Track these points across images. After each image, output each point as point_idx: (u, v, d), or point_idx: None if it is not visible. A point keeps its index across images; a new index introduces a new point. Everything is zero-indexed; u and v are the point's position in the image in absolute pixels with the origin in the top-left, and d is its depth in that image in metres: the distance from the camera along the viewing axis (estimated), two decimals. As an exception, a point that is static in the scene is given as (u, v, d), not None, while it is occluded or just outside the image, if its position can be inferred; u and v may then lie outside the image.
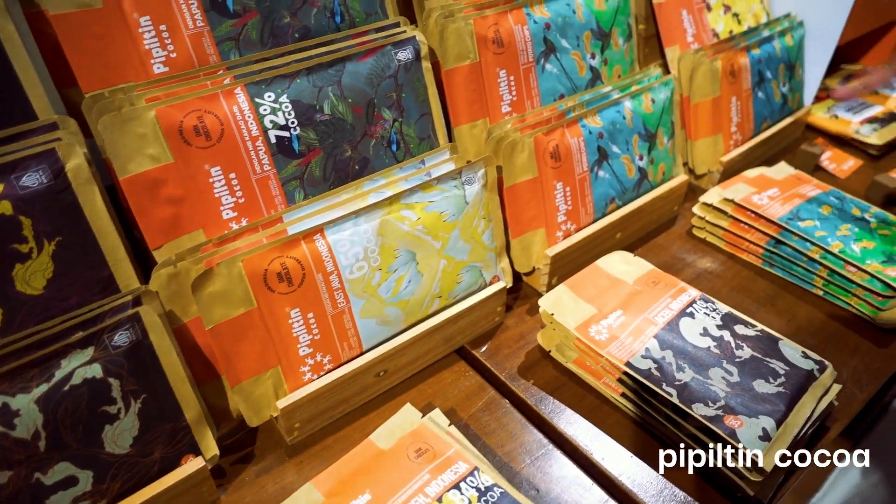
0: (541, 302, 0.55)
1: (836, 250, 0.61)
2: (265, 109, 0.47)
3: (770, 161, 0.84)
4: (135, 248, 0.45)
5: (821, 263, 0.62)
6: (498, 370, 0.55)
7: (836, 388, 0.50)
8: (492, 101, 0.59)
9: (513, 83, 0.60)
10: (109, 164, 0.43)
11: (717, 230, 0.69)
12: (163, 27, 0.44)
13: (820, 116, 0.89)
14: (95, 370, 0.39)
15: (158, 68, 0.45)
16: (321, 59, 0.49)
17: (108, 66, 0.44)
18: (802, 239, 0.63)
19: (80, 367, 0.38)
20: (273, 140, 0.47)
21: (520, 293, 0.63)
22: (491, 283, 0.57)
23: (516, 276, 0.63)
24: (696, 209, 0.70)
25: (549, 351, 0.56)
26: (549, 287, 0.61)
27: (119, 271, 0.43)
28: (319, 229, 0.46)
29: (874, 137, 0.84)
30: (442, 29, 0.55)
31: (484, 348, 0.57)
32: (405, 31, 0.54)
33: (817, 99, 0.92)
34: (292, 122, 0.48)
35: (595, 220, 0.64)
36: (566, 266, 0.62)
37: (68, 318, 0.39)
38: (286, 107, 0.47)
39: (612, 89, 0.64)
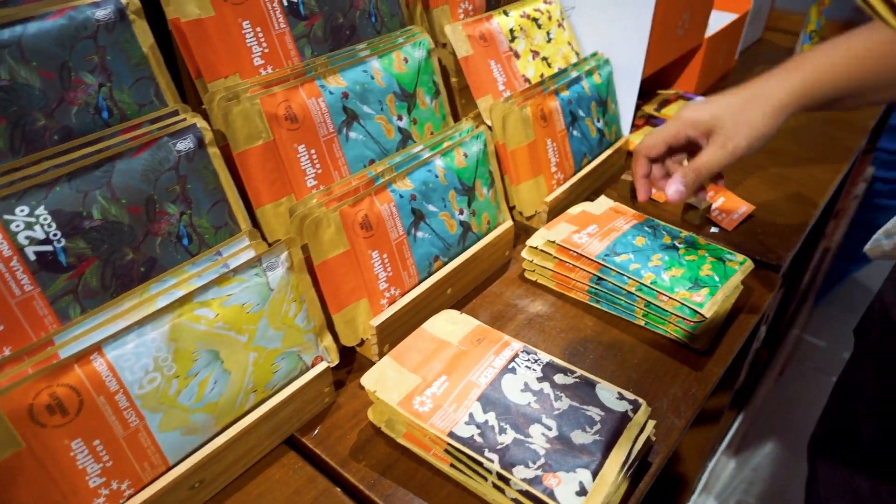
0: (363, 380, 0.53)
1: (648, 282, 0.63)
2: (18, 226, 0.42)
3: (598, 192, 0.88)
4: None
5: (637, 296, 0.65)
6: (329, 455, 0.53)
7: (652, 423, 0.52)
8: (294, 177, 0.58)
9: (315, 156, 0.59)
10: None
11: (546, 272, 0.71)
12: None
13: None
14: None
15: None
16: (84, 162, 0.46)
17: None
18: (619, 274, 0.65)
19: None
20: (32, 257, 0.43)
21: (353, 366, 0.62)
22: (313, 366, 0.55)
23: (347, 350, 0.61)
24: (524, 253, 0.72)
25: (380, 427, 0.55)
26: (382, 355, 0.60)
27: None
28: (96, 348, 0.43)
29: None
30: (226, 112, 0.53)
31: (315, 433, 0.55)
32: (185, 119, 0.51)
33: (636, 127, 0.98)
34: (54, 234, 0.44)
35: (421, 281, 0.64)
36: (397, 331, 0.62)
37: None
38: (45, 219, 0.43)
39: (422, 149, 0.65)
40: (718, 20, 1.13)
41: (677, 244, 0.69)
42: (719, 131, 0.60)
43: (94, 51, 0.48)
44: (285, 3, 0.58)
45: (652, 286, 0.63)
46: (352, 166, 0.62)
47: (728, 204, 0.83)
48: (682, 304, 0.62)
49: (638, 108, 1.04)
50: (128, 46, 0.50)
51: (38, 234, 0.43)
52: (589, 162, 0.85)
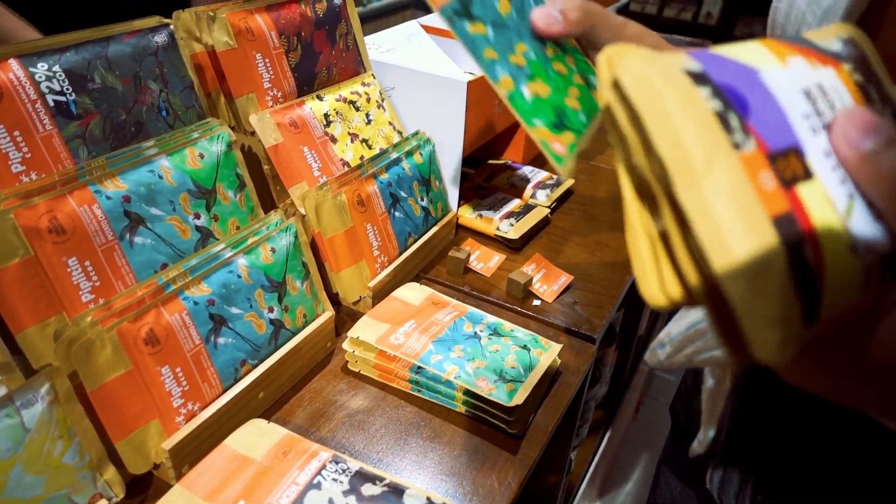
0: (147, 517, 0.48)
1: (451, 376, 0.63)
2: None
3: (429, 268, 0.88)
4: None
5: (456, 383, 0.64)
6: None
7: (461, 527, 0.51)
8: (65, 293, 0.52)
9: (90, 268, 0.54)
10: None
11: (368, 363, 0.69)
12: None
13: (468, 217, 0.97)
14: None
15: None
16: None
17: None
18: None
19: None
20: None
21: (149, 492, 0.56)
22: (91, 506, 0.49)
23: (139, 479, 0.55)
24: (345, 345, 0.70)
25: (172, 567, 0.49)
26: (181, 477, 0.55)
27: None
28: None
29: (511, 232, 0.93)
30: (-30, 232, 0.47)
31: (95, 584, 0.49)
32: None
33: (465, 200, 1.00)
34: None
35: (225, 390, 0.59)
36: (200, 447, 0.57)
37: None
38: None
39: (223, 248, 0.61)
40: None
41: (479, 332, 0.70)
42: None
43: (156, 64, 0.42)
44: (51, 103, 0.54)
45: (455, 380, 0.63)
46: (140, 274, 0.57)
47: (548, 276, 0.86)
48: (487, 398, 0.62)
49: (466, 178, 1.07)
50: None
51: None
52: (415, 241, 0.85)
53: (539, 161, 1.18)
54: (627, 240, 0.27)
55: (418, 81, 0.88)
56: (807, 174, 0.24)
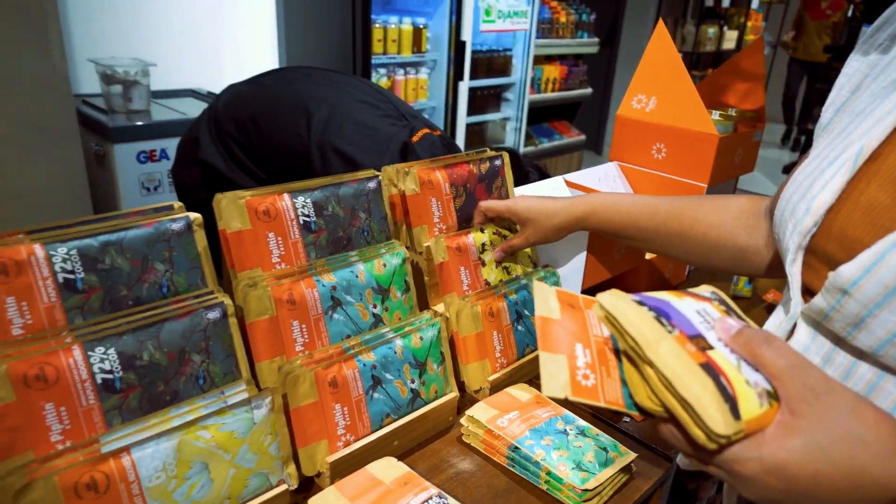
0: (311, 501, 0.71)
1: (539, 459, 0.81)
2: (95, 359, 0.65)
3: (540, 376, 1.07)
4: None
5: (542, 464, 0.82)
6: (275, 560, 0.69)
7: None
8: (287, 343, 0.80)
9: (304, 329, 0.81)
10: (-35, 403, 0.59)
11: (478, 437, 0.89)
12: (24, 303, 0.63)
13: (581, 340, 1.15)
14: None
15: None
16: (143, 322, 0.69)
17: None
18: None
19: None
20: (99, 381, 0.65)
21: (310, 492, 0.79)
22: (276, 486, 0.73)
23: (306, 479, 0.79)
24: (462, 420, 0.90)
25: (318, 542, 0.71)
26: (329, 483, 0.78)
27: (-43, 487, 0.57)
28: (126, 448, 0.62)
29: (616, 358, 1.10)
30: (245, 294, 0.76)
31: (268, 542, 0.72)
32: (216, 297, 0.75)
33: (581, 326, 1.19)
34: (116, 368, 0.66)
35: (372, 432, 0.83)
36: (348, 469, 0.79)
37: None
38: (113, 357, 0.66)
39: (388, 331, 0.87)
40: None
41: (568, 430, 0.87)
42: (527, 225, 1.02)
43: (167, 249, 0.73)
44: (301, 221, 0.85)
45: (542, 462, 0.81)
46: (333, 339, 0.84)
47: (641, 397, 1.01)
48: (568, 482, 0.79)
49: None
50: (188, 247, 0.75)
51: (106, 366, 0.65)
52: (532, 352, 1.06)
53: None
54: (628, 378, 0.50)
55: (552, 227, 1.12)
56: (710, 346, 0.47)
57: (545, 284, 0.58)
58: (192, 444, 0.66)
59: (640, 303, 0.49)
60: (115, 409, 0.66)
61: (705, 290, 0.55)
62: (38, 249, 0.65)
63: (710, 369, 0.44)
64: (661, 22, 1.44)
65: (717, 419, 0.42)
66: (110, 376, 0.66)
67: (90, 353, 0.65)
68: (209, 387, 0.73)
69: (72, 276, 0.66)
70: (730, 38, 7.24)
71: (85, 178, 2.16)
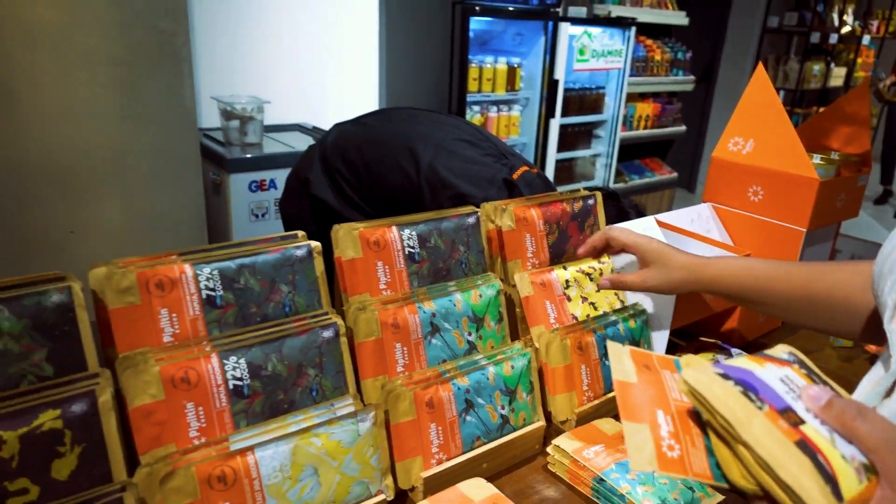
0: (406, 511, 0.76)
1: (624, 492, 0.83)
2: (229, 367, 0.74)
3: (626, 413, 1.09)
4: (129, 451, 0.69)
5: (627, 497, 0.84)
6: (372, 564, 0.75)
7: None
8: (389, 364, 0.87)
9: (406, 352, 0.88)
10: (124, 398, 0.69)
11: (563, 466, 0.92)
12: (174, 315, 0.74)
13: (669, 379, 1.16)
14: (87, 534, 0.61)
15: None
16: (269, 336, 0.78)
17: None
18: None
19: (78, 530, 0.60)
20: (231, 387, 0.74)
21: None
22: (375, 496, 0.79)
23: (401, 492, 0.84)
24: (549, 449, 0.94)
25: (412, 551, 0.77)
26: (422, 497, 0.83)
27: (116, 469, 0.66)
28: (250, 448, 0.71)
29: (705, 399, 1.10)
30: (355, 317, 0.84)
31: (366, 547, 0.78)
32: (330, 318, 0.83)
33: (670, 365, 1.20)
34: (245, 376, 0.75)
35: (463, 453, 0.88)
36: (439, 486, 0.85)
37: (78, 497, 0.62)
38: (243, 367, 0.75)
39: (481, 358, 0.92)
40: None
41: None
42: (650, 268, 0.97)
43: (291, 272, 0.82)
44: (407, 252, 0.92)
45: (627, 495, 0.83)
46: (430, 362, 0.90)
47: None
48: (656, 510, 0.81)
49: (677, 348, 1.26)
50: (308, 271, 0.84)
51: (237, 374, 0.74)
52: (618, 387, 1.08)
53: (753, 346, 1.32)
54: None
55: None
56: (801, 421, 0.47)
57: (618, 345, 0.58)
58: (306, 450, 0.74)
59: (725, 376, 0.49)
60: (242, 412, 0.75)
61: (782, 351, 0.55)
62: (188, 269, 0.75)
63: (806, 447, 0.45)
64: (760, 64, 1.45)
65: (821, 502, 0.43)
66: (240, 383, 0.75)
67: (225, 361, 0.74)
68: (321, 399, 0.81)
69: (213, 294, 0.76)
70: (837, 76, 6.91)
71: (203, 203, 2.36)
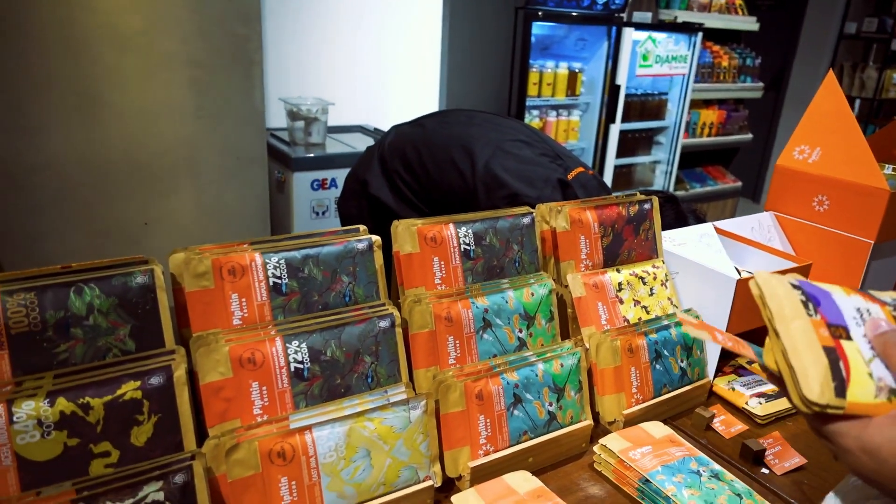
0: (453, 498, 0.79)
1: (670, 494, 0.84)
2: (291, 351, 0.79)
3: (676, 416, 1.09)
4: (198, 424, 0.75)
5: (673, 499, 0.84)
6: (419, 546, 0.78)
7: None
8: (442, 356, 0.90)
9: (458, 345, 0.91)
10: (196, 375, 0.74)
11: (609, 466, 0.93)
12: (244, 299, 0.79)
13: (721, 387, 1.15)
14: (160, 495, 0.66)
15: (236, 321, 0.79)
16: (329, 324, 0.82)
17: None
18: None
19: (153, 491, 0.66)
20: (293, 369, 0.78)
21: (450, 492, 0.87)
22: (423, 481, 0.82)
23: (448, 479, 0.87)
24: (595, 448, 0.95)
25: (457, 536, 0.79)
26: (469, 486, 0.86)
27: (187, 439, 0.72)
28: (308, 427, 0.75)
29: (758, 409, 1.09)
30: (411, 309, 0.88)
31: (414, 529, 0.81)
32: (387, 308, 0.87)
33: (722, 373, 1.19)
34: (305, 360, 0.79)
35: (510, 446, 0.90)
36: (485, 476, 0.87)
37: (153, 462, 0.67)
38: (304, 351, 0.79)
39: (531, 354, 0.94)
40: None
41: (702, 471, 0.89)
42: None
43: (352, 264, 0.87)
44: (462, 249, 0.95)
45: (672, 497, 0.83)
46: (481, 356, 0.93)
47: (783, 453, 1.00)
48: (701, 514, 0.81)
49: (731, 357, 1.25)
50: (368, 264, 0.88)
51: (299, 357, 0.79)
52: (668, 391, 1.08)
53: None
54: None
55: (697, 272, 1.14)
56: (848, 337, 0.51)
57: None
58: (360, 433, 0.77)
59: (796, 286, 0.53)
60: (301, 393, 0.79)
61: (888, 295, 0.57)
62: (258, 257, 0.80)
63: (832, 352, 0.49)
64: (830, 71, 1.41)
65: (814, 389, 0.48)
66: (301, 366, 0.79)
67: (288, 345, 0.79)
68: (375, 385, 0.85)
69: (279, 281, 0.81)
70: (919, 84, 6.56)
71: (267, 200, 2.46)
